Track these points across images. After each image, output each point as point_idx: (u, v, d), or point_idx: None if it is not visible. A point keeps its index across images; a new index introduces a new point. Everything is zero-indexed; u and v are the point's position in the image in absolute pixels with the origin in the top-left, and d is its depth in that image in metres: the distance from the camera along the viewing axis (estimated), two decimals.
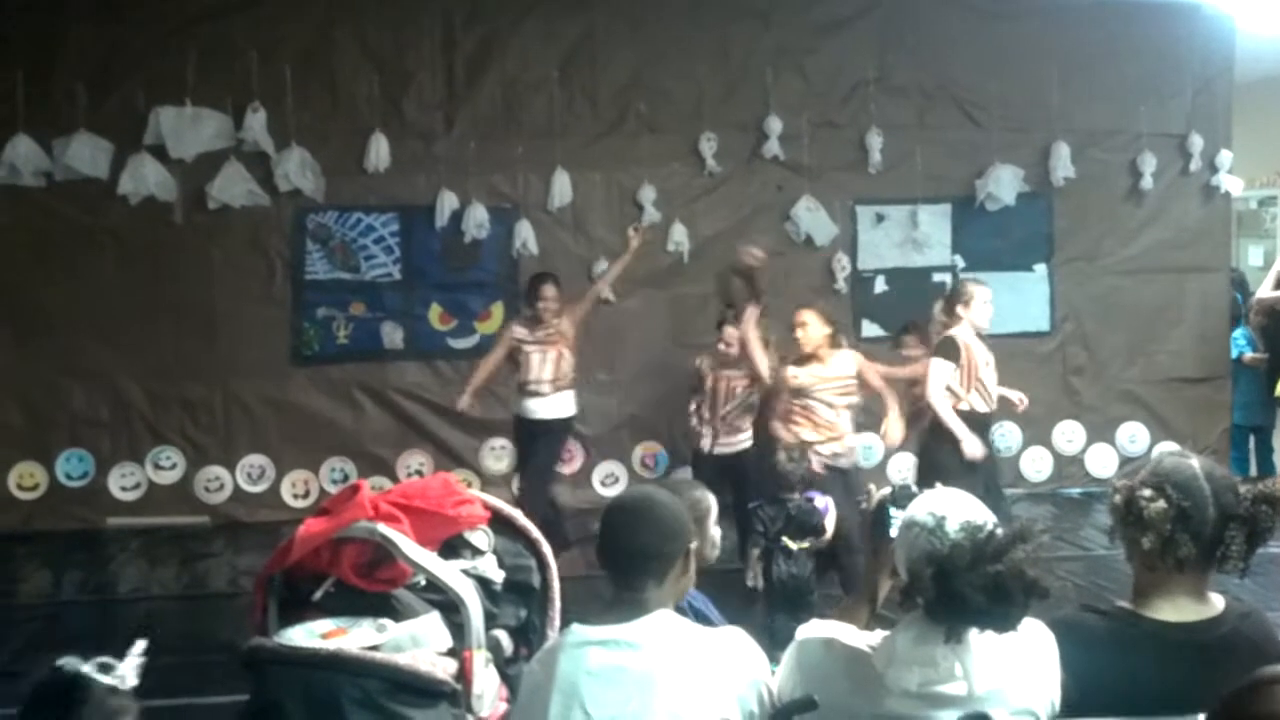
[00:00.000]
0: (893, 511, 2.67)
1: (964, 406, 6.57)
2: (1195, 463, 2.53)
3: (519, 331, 7.50)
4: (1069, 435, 9.47)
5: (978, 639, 2.27)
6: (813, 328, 6.45)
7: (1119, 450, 9.39)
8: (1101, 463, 9.34)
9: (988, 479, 6.57)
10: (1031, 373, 9.12)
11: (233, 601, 6.84)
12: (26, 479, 8.49)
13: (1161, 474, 2.50)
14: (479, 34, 8.73)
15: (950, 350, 6.58)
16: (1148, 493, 2.46)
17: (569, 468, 8.77)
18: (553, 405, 7.48)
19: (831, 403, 6.46)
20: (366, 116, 8.57)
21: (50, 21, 8.29)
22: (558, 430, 7.67)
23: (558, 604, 3.21)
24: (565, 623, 2.75)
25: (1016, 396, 7.16)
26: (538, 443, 7.52)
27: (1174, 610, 2.49)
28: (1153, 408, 9.55)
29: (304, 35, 8.57)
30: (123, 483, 8.57)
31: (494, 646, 2.94)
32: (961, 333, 6.63)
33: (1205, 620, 2.50)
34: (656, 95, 8.85)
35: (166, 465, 8.62)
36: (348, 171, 8.57)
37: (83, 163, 8.21)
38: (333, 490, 8.30)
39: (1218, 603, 2.52)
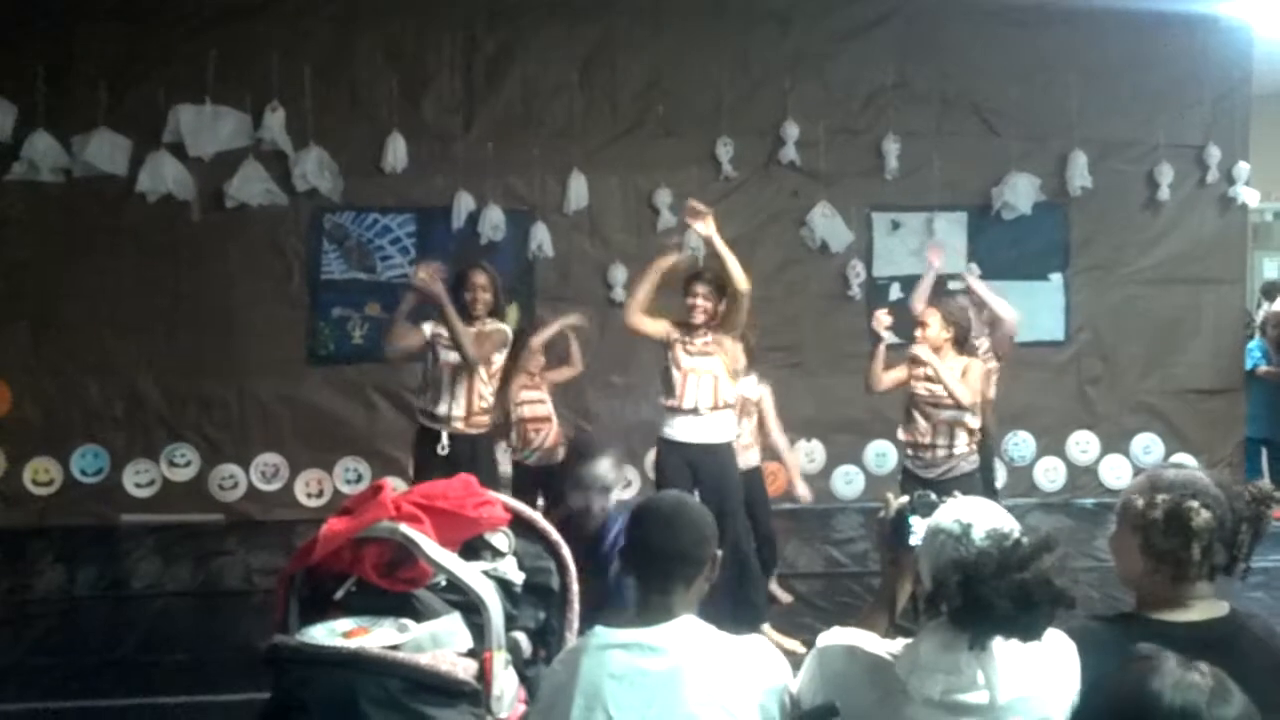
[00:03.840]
0: (913, 520, 2.66)
1: None
2: (1202, 471, 2.55)
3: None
4: (1083, 445, 9.45)
5: (1001, 648, 2.27)
6: (932, 329, 6.05)
7: (1133, 461, 9.36)
8: (1115, 473, 9.32)
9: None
10: (1046, 382, 9.15)
11: (246, 600, 6.86)
12: (41, 474, 8.53)
13: (1188, 484, 2.49)
14: (499, 36, 8.76)
15: None
16: (1195, 503, 2.45)
17: None
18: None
19: (927, 412, 6.05)
20: (385, 117, 8.61)
21: (71, 19, 8.35)
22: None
23: (576, 607, 3.21)
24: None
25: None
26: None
27: (1183, 614, 2.49)
28: (1168, 419, 9.53)
29: (324, 35, 8.60)
30: (137, 479, 8.61)
31: (513, 648, 2.93)
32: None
33: (1212, 620, 2.50)
34: (675, 99, 8.86)
35: (181, 463, 8.65)
36: (365, 172, 8.60)
37: (102, 160, 8.27)
38: (346, 490, 8.38)
39: (1223, 606, 2.54)
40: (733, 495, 6.03)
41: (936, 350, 5.99)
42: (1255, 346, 9.70)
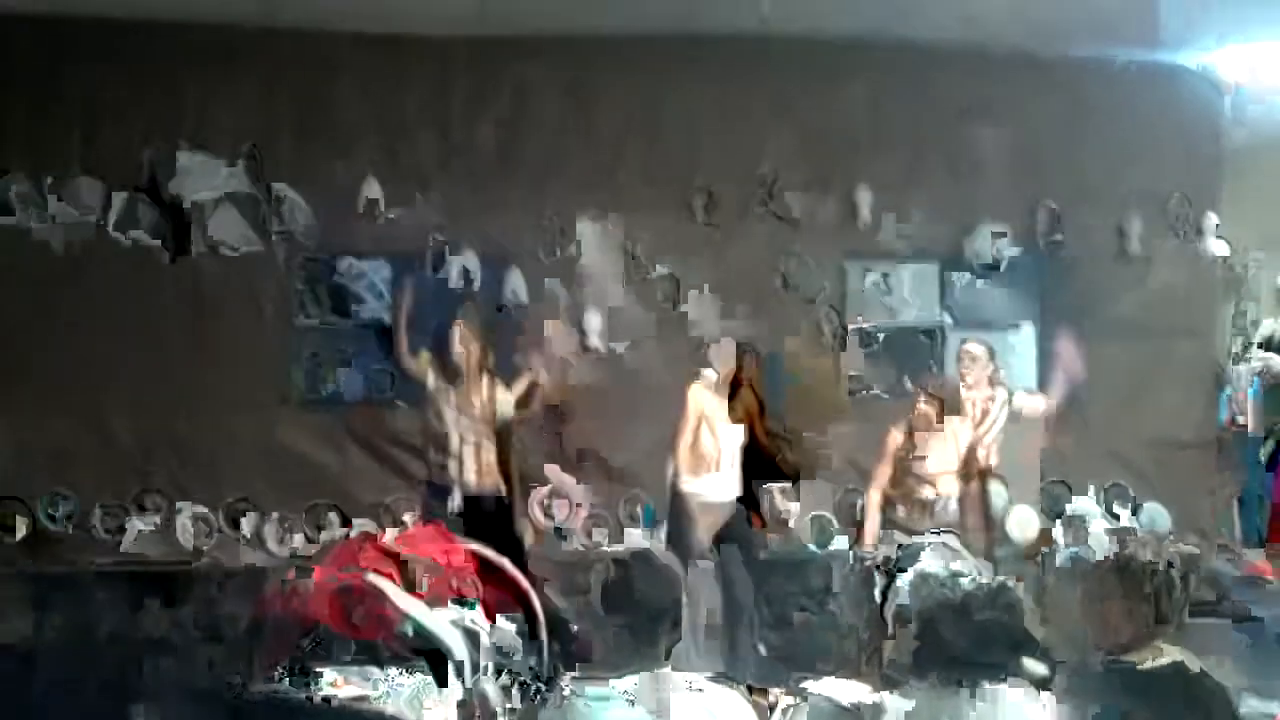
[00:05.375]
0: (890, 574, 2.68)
1: None
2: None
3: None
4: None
5: (990, 704, 2.27)
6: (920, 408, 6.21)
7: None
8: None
9: None
10: (1017, 432, 9.13)
11: (216, 647, 6.77)
12: (8, 519, 8.41)
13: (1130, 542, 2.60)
14: (476, 81, 8.78)
15: None
16: (1135, 550, 2.52)
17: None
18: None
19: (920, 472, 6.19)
20: (361, 161, 8.60)
21: (47, 60, 8.32)
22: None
23: (545, 655, 3.19)
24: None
25: None
26: None
27: (1156, 657, 2.54)
28: (1139, 470, 9.53)
29: (301, 79, 8.61)
30: (106, 525, 8.50)
31: (481, 696, 2.92)
32: None
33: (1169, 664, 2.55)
34: (652, 145, 8.90)
35: (150, 507, 8.55)
36: (341, 216, 8.58)
37: (76, 202, 8.23)
38: (318, 536, 8.28)
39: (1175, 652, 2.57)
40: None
41: (927, 428, 6.06)
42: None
